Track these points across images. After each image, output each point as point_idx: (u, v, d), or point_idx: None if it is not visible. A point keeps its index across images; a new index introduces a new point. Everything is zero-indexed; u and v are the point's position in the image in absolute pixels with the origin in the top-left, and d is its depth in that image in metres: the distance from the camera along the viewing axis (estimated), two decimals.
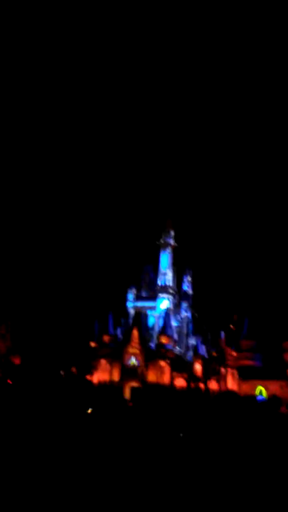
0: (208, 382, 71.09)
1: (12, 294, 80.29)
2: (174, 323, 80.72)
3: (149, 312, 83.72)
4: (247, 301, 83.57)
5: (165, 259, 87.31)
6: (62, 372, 70.22)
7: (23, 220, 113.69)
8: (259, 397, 64.04)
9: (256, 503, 17.87)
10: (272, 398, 59.96)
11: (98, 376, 72.31)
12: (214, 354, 74.54)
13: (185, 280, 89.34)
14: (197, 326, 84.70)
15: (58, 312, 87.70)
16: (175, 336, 78.56)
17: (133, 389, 63.09)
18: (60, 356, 73.70)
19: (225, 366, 72.39)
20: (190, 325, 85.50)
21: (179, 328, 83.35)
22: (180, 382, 70.16)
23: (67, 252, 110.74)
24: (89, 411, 50.87)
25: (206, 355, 75.62)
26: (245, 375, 72.31)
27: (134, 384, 69.04)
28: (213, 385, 71.00)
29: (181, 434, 39.09)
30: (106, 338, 76.27)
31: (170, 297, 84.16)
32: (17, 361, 69.55)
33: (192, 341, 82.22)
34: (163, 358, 71.42)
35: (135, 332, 73.97)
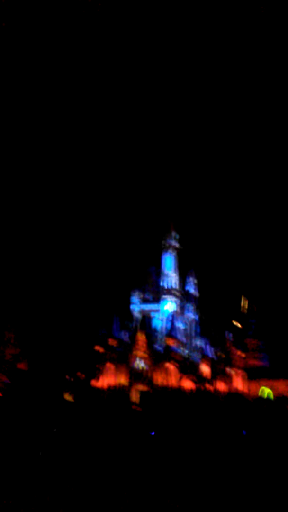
0: (216, 383, 70.67)
1: (17, 300, 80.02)
2: (180, 325, 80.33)
3: (153, 315, 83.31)
4: (253, 300, 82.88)
5: (168, 261, 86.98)
6: (68, 377, 69.82)
7: (27, 225, 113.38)
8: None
9: (264, 502, 17.96)
10: (280, 398, 59.61)
11: (105, 380, 71.91)
12: (221, 355, 74.11)
13: (189, 282, 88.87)
14: (204, 327, 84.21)
15: (63, 317, 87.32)
16: (182, 338, 78.18)
17: (142, 393, 62.55)
18: (66, 361, 73.32)
19: (233, 367, 72.09)
20: (197, 327, 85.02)
21: (186, 330, 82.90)
22: (188, 384, 69.66)
23: (71, 256, 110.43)
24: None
25: (213, 357, 75.18)
26: (252, 375, 71.94)
27: (142, 387, 68.52)
28: (221, 386, 70.56)
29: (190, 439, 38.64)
30: (111, 341, 75.87)
31: (175, 299, 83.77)
32: (23, 367, 69.20)
33: (198, 342, 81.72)
34: (171, 360, 71.04)
35: (141, 335, 73.57)
